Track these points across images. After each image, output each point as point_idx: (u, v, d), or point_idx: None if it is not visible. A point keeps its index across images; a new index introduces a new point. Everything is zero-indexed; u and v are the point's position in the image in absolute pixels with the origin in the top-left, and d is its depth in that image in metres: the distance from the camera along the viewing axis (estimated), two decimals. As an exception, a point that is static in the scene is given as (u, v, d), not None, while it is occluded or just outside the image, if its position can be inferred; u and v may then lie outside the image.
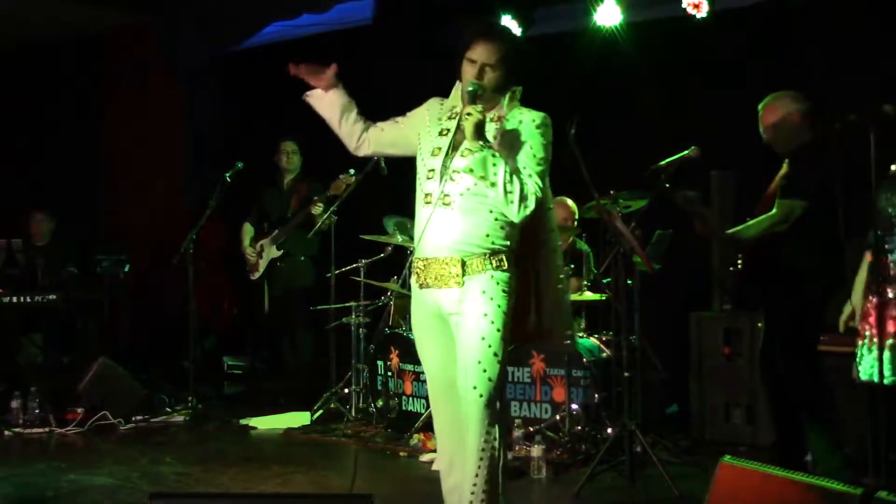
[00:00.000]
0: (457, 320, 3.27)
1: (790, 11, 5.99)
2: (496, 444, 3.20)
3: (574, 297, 5.43)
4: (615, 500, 4.42)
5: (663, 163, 4.49)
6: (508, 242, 3.28)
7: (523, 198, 3.14)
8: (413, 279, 3.40)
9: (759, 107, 4.51)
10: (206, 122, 8.62)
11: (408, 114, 3.50)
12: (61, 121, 8.95)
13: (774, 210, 4.29)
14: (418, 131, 3.42)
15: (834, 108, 4.31)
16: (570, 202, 6.02)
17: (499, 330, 3.21)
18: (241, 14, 7.43)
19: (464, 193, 3.23)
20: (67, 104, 8.94)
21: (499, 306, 3.22)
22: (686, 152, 4.45)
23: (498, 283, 3.23)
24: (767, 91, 4.60)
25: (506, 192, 3.12)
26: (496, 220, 3.24)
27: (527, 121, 3.28)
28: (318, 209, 6.38)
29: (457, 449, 3.34)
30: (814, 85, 4.57)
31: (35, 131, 9.01)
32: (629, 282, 4.85)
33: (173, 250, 6.66)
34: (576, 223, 5.96)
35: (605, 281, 5.43)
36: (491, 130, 3.27)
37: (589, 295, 5.52)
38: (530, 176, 3.18)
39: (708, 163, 4.64)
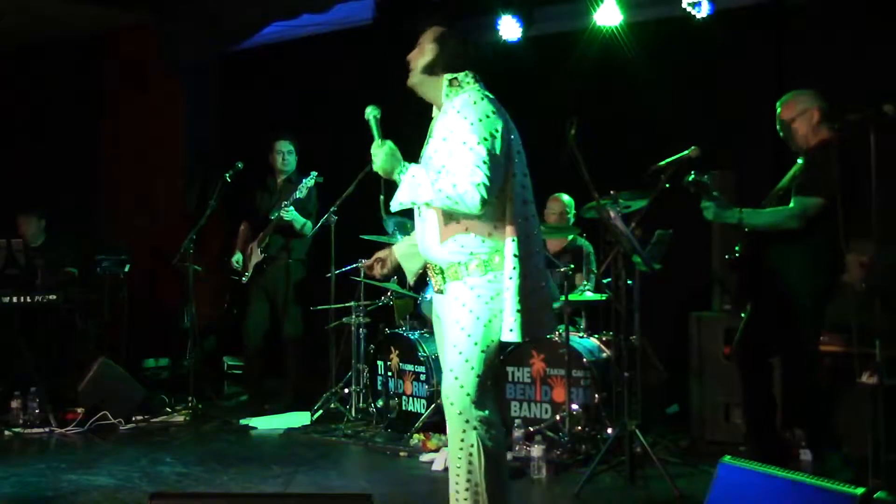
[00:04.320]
0: (441, 324, 3.32)
1: (790, 11, 6.00)
2: (473, 450, 3.17)
3: (574, 297, 5.44)
4: (615, 500, 4.42)
5: (663, 163, 4.50)
6: (485, 245, 3.16)
7: (459, 198, 3.02)
8: None
9: (778, 103, 4.51)
10: (207, 122, 8.61)
11: None
12: (61, 121, 8.95)
13: (791, 205, 4.28)
14: None
15: (834, 108, 4.32)
16: (564, 197, 6.05)
17: (470, 336, 3.15)
18: (241, 14, 7.42)
19: (425, 203, 3.22)
20: (67, 104, 8.94)
21: (471, 311, 3.15)
22: (686, 152, 4.45)
23: (472, 289, 3.16)
24: (767, 91, 4.60)
25: (443, 199, 3.05)
26: (457, 223, 3.17)
27: (452, 111, 3.19)
28: (287, 214, 6.36)
29: None
30: (813, 85, 4.56)
31: (35, 131, 9.01)
32: (629, 282, 4.86)
33: (173, 250, 6.66)
34: (570, 219, 5.98)
35: (605, 281, 5.44)
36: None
37: (589, 295, 5.52)
38: (466, 167, 3.03)
39: (708, 163, 4.64)
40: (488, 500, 3.18)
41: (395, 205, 3.23)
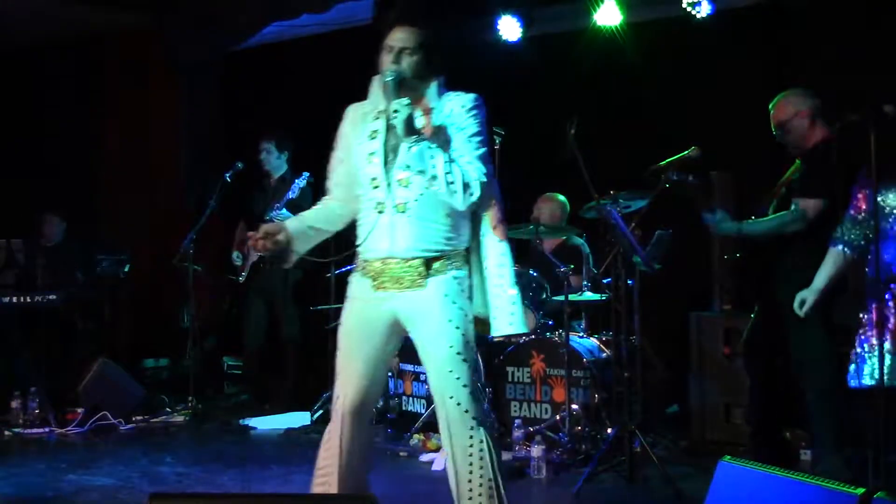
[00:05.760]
0: (417, 324, 3.22)
1: (790, 11, 6.00)
2: (483, 445, 3.17)
3: (574, 297, 5.43)
4: (615, 500, 4.42)
5: (663, 163, 4.49)
6: (464, 241, 3.27)
7: (466, 186, 3.11)
8: (364, 283, 3.27)
9: (770, 106, 4.50)
10: (207, 122, 8.61)
11: (338, 144, 3.40)
12: (61, 121, 8.94)
13: (792, 208, 4.27)
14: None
15: (834, 108, 4.32)
16: (559, 197, 6.03)
17: (463, 335, 3.18)
18: (241, 14, 7.42)
19: (419, 199, 3.16)
20: (68, 104, 8.94)
21: (461, 309, 3.19)
22: (686, 152, 4.45)
23: (459, 283, 3.21)
24: (767, 91, 4.59)
25: (447, 183, 3.09)
26: (453, 222, 3.22)
27: (457, 107, 3.22)
28: (280, 218, 6.31)
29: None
30: (814, 85, 4.56)
31: (35, 131, 9.01)
32: (629, 282, 4.86)
33: (173, 250, 6.66)
34: (565, 219, 5.97)
35: (605, 281, 5.43)
36: (420, 122, 3.21)
37: (589, 295, 5.52)
38: (470, 163, 3.14)
39: (708, 163, 4.64)
40: (502, 493, 3.17)
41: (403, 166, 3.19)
